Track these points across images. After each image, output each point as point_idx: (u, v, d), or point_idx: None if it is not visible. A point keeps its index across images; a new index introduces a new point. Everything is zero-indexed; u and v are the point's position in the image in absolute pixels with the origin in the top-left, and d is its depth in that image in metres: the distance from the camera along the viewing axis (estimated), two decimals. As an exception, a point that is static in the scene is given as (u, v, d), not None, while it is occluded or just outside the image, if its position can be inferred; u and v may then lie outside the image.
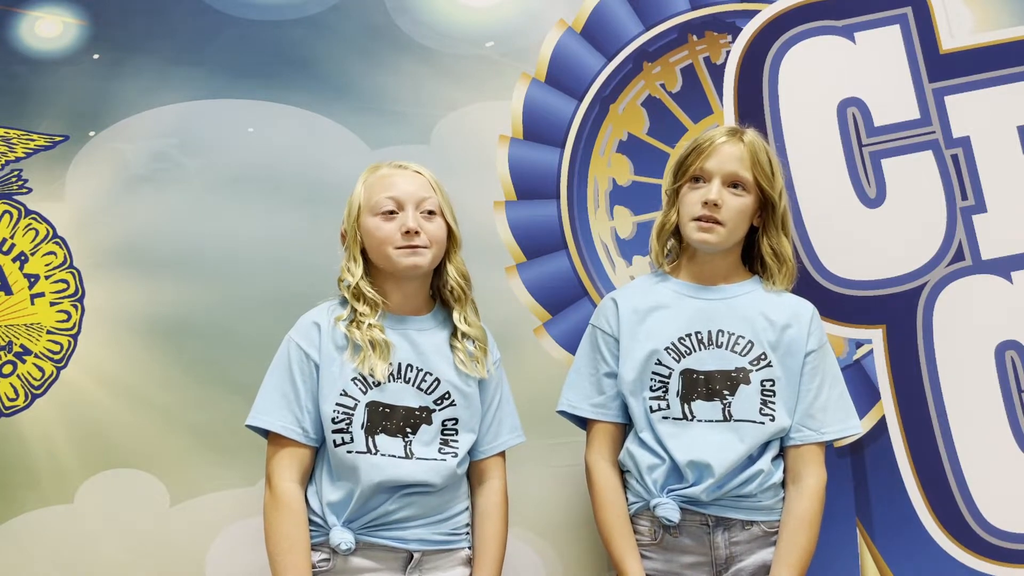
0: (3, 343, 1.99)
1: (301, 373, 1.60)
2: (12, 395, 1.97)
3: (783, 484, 1.68)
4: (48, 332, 1.99)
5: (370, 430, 1.59)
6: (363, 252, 1.66)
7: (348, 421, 1.59)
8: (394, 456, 1.59)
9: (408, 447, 1.60)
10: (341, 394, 1.59)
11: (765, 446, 1.66)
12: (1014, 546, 1.91)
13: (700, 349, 1.68)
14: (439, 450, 1.62)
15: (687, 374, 1.66)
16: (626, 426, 1.73)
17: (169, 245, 2.00)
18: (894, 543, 1.94)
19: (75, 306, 1.99)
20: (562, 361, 2.00)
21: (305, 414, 1.60)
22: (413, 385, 1.63)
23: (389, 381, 1.61)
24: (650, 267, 2.01)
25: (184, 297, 1.99)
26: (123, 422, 1.96)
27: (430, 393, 1.63)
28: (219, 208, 2.02)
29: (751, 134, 1.72)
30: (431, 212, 1.65)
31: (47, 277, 2.00)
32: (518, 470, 1.96)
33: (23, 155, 2.02)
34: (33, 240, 2.01)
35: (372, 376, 1.60)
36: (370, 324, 1.61)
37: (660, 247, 1.77)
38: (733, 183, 1.68)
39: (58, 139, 2.02)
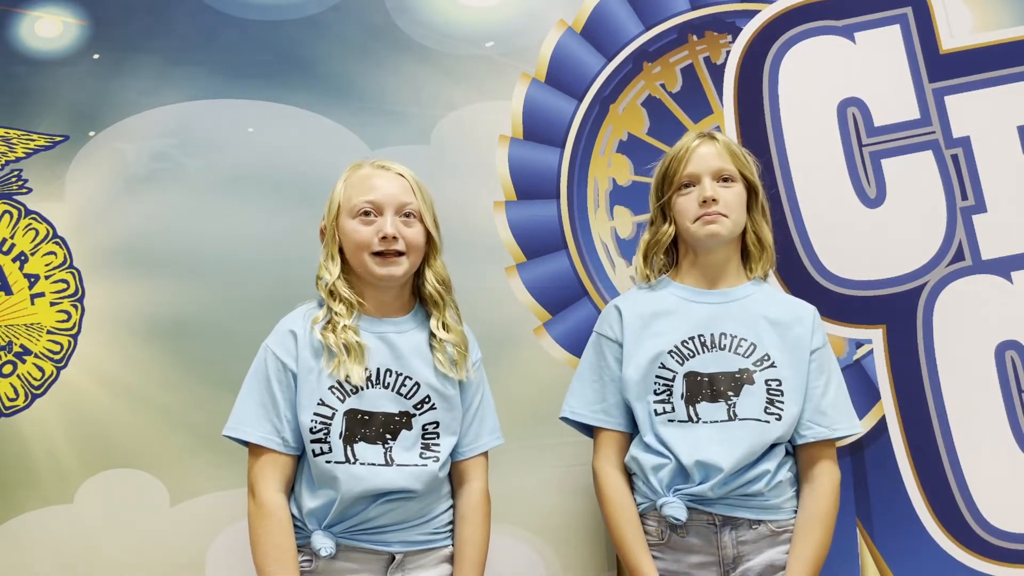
0: (3, 343, 1.98)
1: (279, 383, 1.58)
2: (12, 395, 1.97)
3: (791, 484, 1.69)
4: (48, 332, 1.99)
5: (348, 439, 1.56)
6: (341, 251, 1.64)
7: (326, 431, 1.56)
8: (374, 464, 1.56)
9: (388, 453, 1.58)
10: (319, 403, 1.56)
11: (770, 447, 1.66)
12: (1014, 546, 1.91)
13: (703, 352, 1.68)
14: (420, 455, 1.60)
15: (691, 377, 1.67)
16: (631, 434, 1.73)
17: (169, 245, 2.00)
18: (894, 543, 1.94)
19: (75, 306, 1.99)
20: (562, 361, 2.00)
21: (284, 423, 1.57)
22: (392, 390, 1.60)
23: (367, 387, 1.59)
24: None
25: (184, 297, 1.99)
26: (123, 422, 1.96)
27: (410, 397, 1.61)
28: (219, 208, 2.02)
29: (719, 134, 1.77)
30: (410, 216, 1.63)
31: (47, 277, 2.00)
32: (518, 470, 1.96)
33: (23, 155, 2.02)
34: (33, 240, 2.01)
35: (349, 382, 1.57)
36: (345, 326, 1.58)
37: (648, 263, 1.78)
38: (721, 177, 1.70)
39: (58, 139, 2.02)
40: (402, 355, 1.62)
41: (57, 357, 1.98)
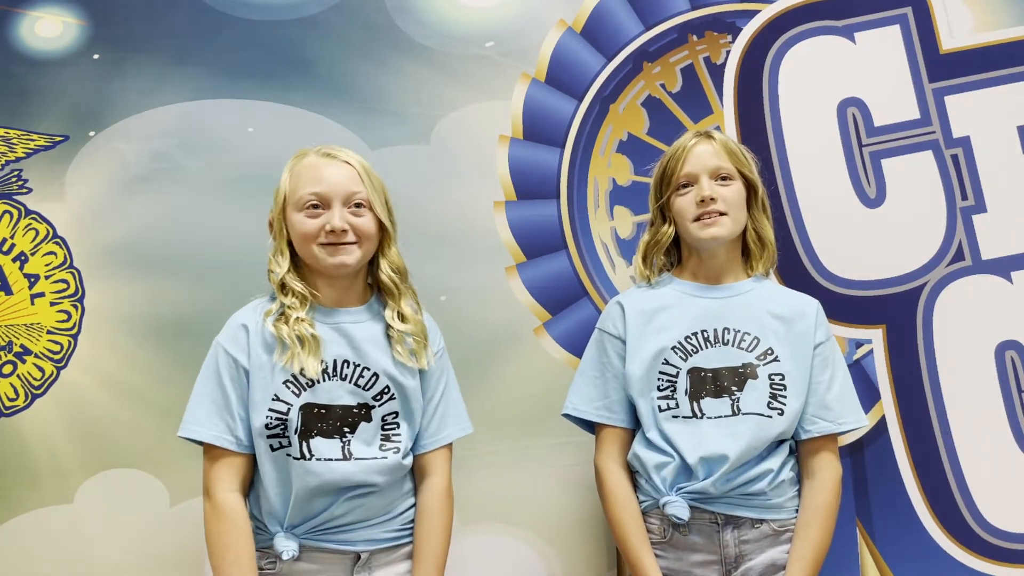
0: (3, 343, 1.98)
1: (231, 380, 1.54)
2: (12, 395, 1.97)
3: (793, 483, 1.69)
4: (48, 332, 1.99)
5: (304, 434, 1.53)
6: (290, 244, 1.60)
7: (282, 426, 1.52)
8: (330, 459, 1.52)
9: (346, 447, 1.54)
10: (273, 399, 1.53)
11: (775, 446, 1.67)
12: (1014, 546, 1.91)
13: (707, 347, 1.68)
14: (380, 447, 1.57)
15: (695, 372, 1.67)
16: (634, 431, 1.73)
17: (169, 245, 2.00)
18: (894, 543, 1.94)
19: (75, 306, 1.99)
20: (562, 361, 2.00)
21: (238, 421, 1.54)
22: (350, 382, 1.56)
23: (324, 379, 1.55)
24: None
25: (184, 297, 1.99)
26: (123, 422, 1.96)
27: (368, 389, 1.57)
28: (219, 208, 2.01)
29: (716, 132, 1.76)
30: (360, 205, 1.57)
31: (47, 277, 2.00)
32: (518, 470, 1.96)
33: (23, 155, 2.02)
34: (33, 240, 2.01)
35: (304, 375, 1.53)
36: (298, 318, 1.54)
37: (648, 264, 1.78)
38: (718, 176, 1.70)
39: (58, 139, 2.02)
40: (359, 345, 1.58)
41: (57, 357, 1.98)
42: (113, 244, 2.01)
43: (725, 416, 1.65)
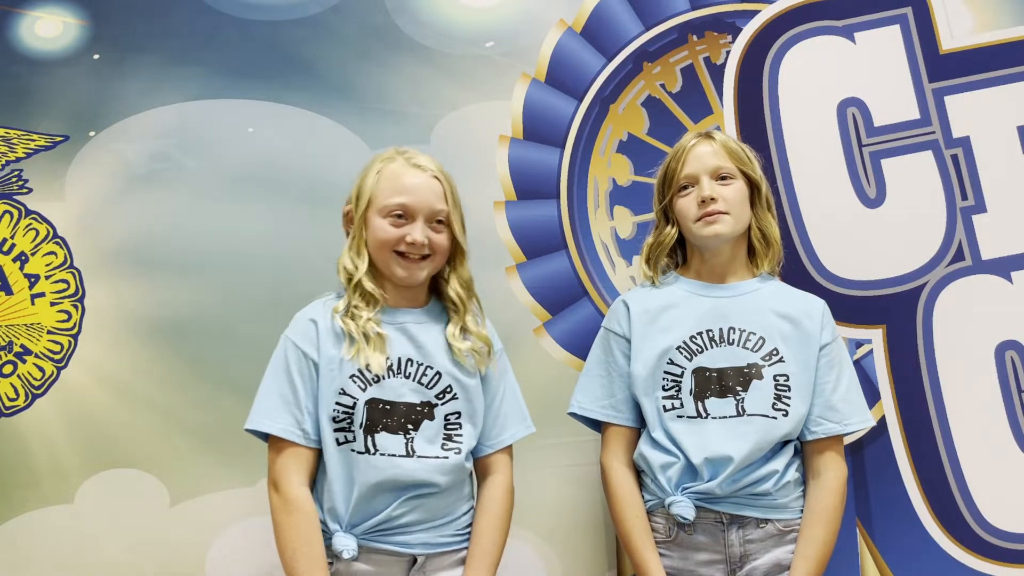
0: (3, 343, 1.98)
1: (300, 373, 1.57)
2: (12, 395, 1.97)
3: (798, 484, 1.69)
4: (48, 332, 1.99)
5: (369, 429, 1.55)
6: (366, 244, 1.63)
7: (348, 420, 1.56)
8: (394, 455, 1.55)
9: (410, 444, 1.57)
10: (340, 392, 1.56)
11: (780, 447, 1.67)
12: (1014, 546, 1.91)
13: (712, 347, 1.68)
14: (442, 446, 1.59)
15: (700, 372, 1.67)
16: (639, 430, 1.73)
17: (169, 245, 2.00)
18: (894, 543, 1.94)
19: (75, 306, 1.99)
20: (562, 361, 2.00)
21: (305, 415, 1.56)
22: (414, 380, 1.60)
23: (388, 376, 1.58)
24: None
25: (184, 297, 1.99)
26: (123, 422, 1.96)
27: (431, 388, 1.60)
28: (219, 208, 2.01)
29: (717, 132, 1.77)
30: (440, 223, 1.62)
31: (47, 277, 2.00)
32: (517, 470, 1.96)
33: (23, 155, 2.02)
34: (33, 240, 2.01)
35: (369, 371, 1.57)
36: (367, 318, 1.58)
37: (652, 266, 1.78)
38: (719, 176, 1.71)
39: (58, 139, 2.02)
40: (422, 345, 1.62)
41: (57, 357, 1.98)
42: (113, 244, 2.01)
43: (730, 417, 1.65)
